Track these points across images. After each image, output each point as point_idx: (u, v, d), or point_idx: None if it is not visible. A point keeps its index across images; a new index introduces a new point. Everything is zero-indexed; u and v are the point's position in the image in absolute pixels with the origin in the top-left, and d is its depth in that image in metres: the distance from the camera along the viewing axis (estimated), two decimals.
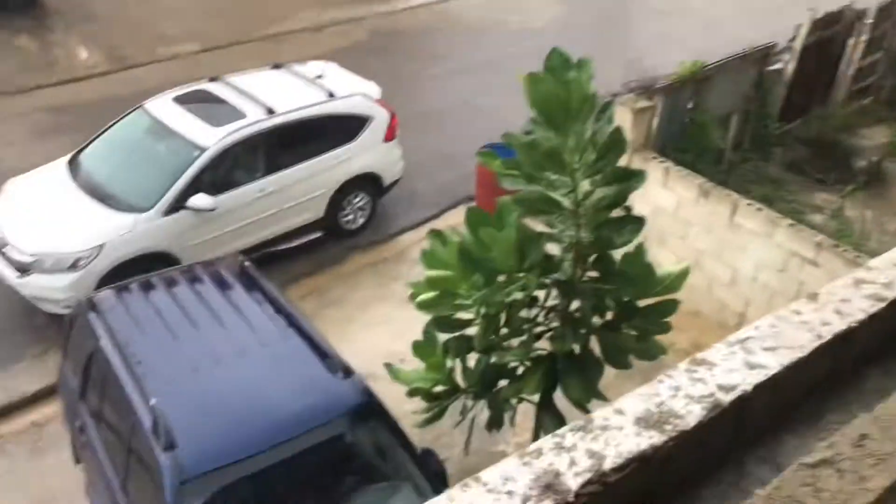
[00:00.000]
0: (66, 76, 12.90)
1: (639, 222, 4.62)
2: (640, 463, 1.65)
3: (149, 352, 5.10)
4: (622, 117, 7.96)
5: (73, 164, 8.35)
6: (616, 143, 4.38)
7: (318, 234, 9.13)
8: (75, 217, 7.66)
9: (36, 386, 7.14)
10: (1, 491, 6.22)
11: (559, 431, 1.72)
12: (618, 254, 4.93)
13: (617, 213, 4.84)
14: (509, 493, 1.55)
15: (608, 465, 1.61)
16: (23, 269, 7.37)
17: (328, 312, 8.10)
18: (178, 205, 7.72)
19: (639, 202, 4.88)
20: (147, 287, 5.79)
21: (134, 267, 7.37)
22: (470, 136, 11.61)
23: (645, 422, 1.73)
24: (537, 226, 4.83)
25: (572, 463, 1.61)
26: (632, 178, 4.54)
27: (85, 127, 10.14)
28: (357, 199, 9.38)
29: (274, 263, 8.46)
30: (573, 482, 1.57)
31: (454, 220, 9.86)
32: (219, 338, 5.31)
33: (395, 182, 9.76)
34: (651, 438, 1.68)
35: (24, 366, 7.33)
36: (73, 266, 7.30)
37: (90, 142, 8.62)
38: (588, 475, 1.58)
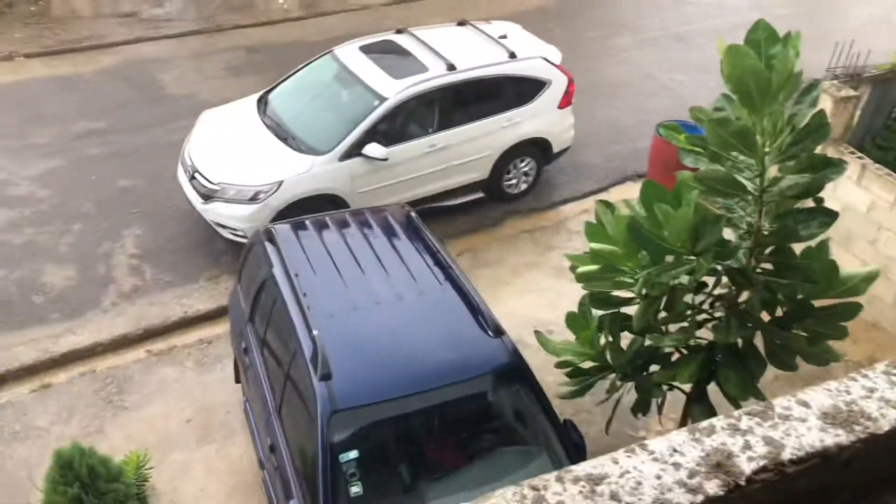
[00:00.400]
0: (263, 18, 13.66)
1: (830, 216, 4.28)
2: (822, 460, 1.54)
3: (316, 285, 5.36)
4: (823, 105, 7.38)
5: (262, 103, 8.85)
6: (818, 128, 4.06)
7: (479, 195, 9.18)
8: (259, 153, 8.15)
9: (208, 306, 7.73)
10: (170, 396, 6.83)
11: (734, 413, 1.64)
12: (798, 248, 4.61)
13: (805, 203, 4.52)
14: (675, 465, 1.49)
15: (787, 455, 1.52)
16: (207, 196, 7.97)
17: (481, 272, 8.17)
18: (353, 151, 8.02)
19: (826, 197, 4.51)
20: (320, 225, 6.08)
21: (307, 205, 7.77)
22: (646, 111, 11.24)
23: (832, 418, 1.61)
24: (714, 208, 4.60)
25: (747, 446, 1.53)
26: (828, 168, 4.19)
27: (276, 67, 10.74)
28: (523, 164, 9.33)
29: (434, 218, 8.62)
30: (746, 466, 1.49)
31: (620, 196, 9.56)
32: (380, 280, 5.49)
33: (564, 150, 9.60)
34: (837, 437, 1.57)
35: (200, 286, 7.95)
36: (253, 198, 7.80)
37: (279, 82, 9.10)
38: (763, 462, 1.50)
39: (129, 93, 11.06)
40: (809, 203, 4.49)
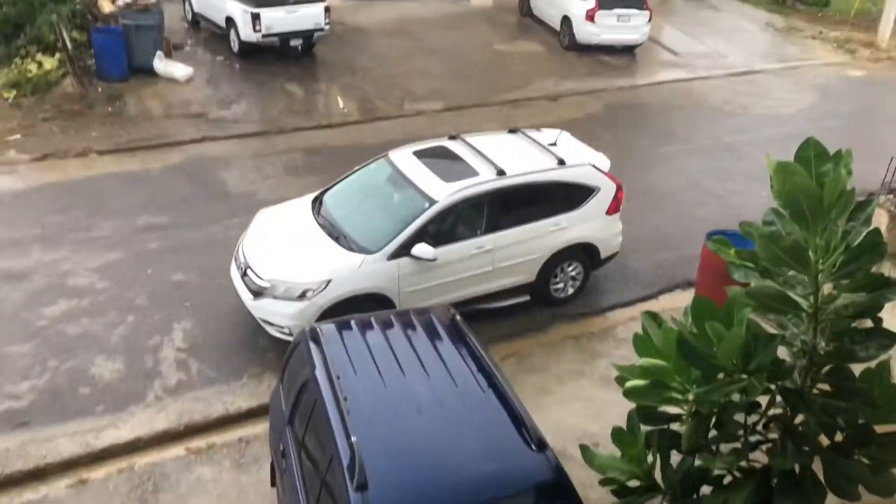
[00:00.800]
0: (322, 121, 14.23)
1: (889, 338, 4.11)
2: None
3: (357, 389, 5.31)
4: (878, 220, 7.23)
5: (317, 203, 9.09)
6: (873, 246, 3.95)
7: (525, 298, 9.14)
8: (310, 251, 8.30)
9: (250, 403, 7.71)
10: (205, 498, 6.73)
11: None
12: (857, 368, 4.41)
13: (863, 323, 4.36)
14: None
15: None
16: (257, 293, 8.10)
17: (525, 379, 8.03)
18: (402, 251, 8.11)
19: (886, 315, 4.35)
20: (364, 325, 6.08)
21: (354, 305, 7.82)
22: (696, 219, 11.20)
23: None
24: (766, 325, 4.47)
25: None
26: (886, 288, 4.05)
27: (333, 168, 11.08)
28: (570, 268, 9.30)
29: (479, 320, 8.58)
30: None
31: (668, 304, 9.46)
32: (422, 386, 5.42)
33: (612, 256, 9.57)
34: None
35: (243, 383, 7.97)
36: (302, 296, 7.89)
37: (335, 183, 9.36)
38: None
39: (192, 189, 11.51)
40: (868, 323, 4.33)
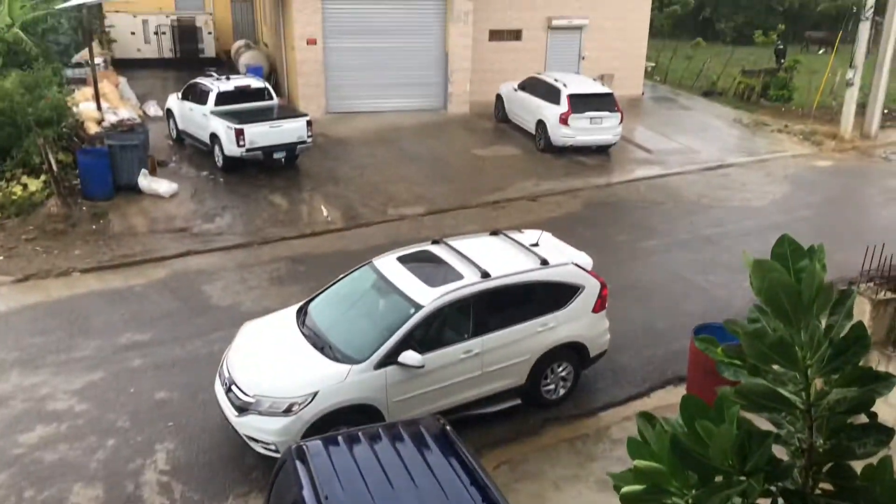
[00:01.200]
0: (306, 230, 14.37)
1: (886, 434, 4.03)
2: None
3: None
4: (861, 308, 7.28)
5: (301, 313, 9.04)
6: (857, 339, 3.94)
7: (517, 402, 9.00)
8: (296, 364, 8.18)
9: None
10: None
11: None
12: (858, 465, 4.32)
13: (858, 418, 4.29)
14: None
15: None
16: (242, 409, 7.92)
17: (520, 487, 7.80)
18: (389, 360, 8.01)
19: (881, 406, 4.29)
20: (352, 440, 5.93)
21: (341, 417, 7.66)
22: (682, 313, 11.23)
23: None
24: (761, 422, 4.39)
25: None
26: (876, 382, 4.02)
27: (317, 277, 11.09)
28: (560, 369, 9.21)
29: (470, 426, 8.42)
30: None
31: (661, 402, 9.35)
32: (413, 502, 5.24)
33: (601, 354, 9.51)
34: None
35: None
36: (287, 411, 7.72)
37: (319, 292, 9.34)
38: None
39: (175, 304, 11.44)
40: (863, 417, 4.27)
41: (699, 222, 15.19)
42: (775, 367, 4.15)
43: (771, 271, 3.97)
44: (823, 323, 4.08)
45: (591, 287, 9.19)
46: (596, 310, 9.24)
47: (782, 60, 27.92)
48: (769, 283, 3.93)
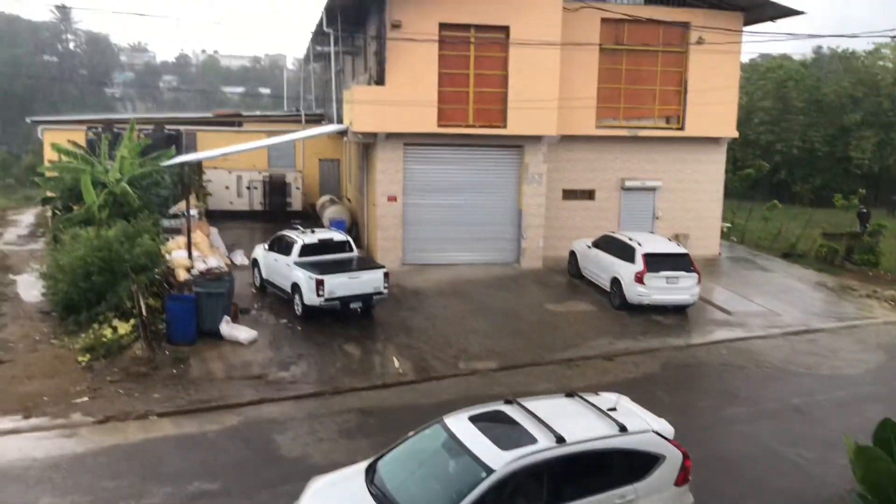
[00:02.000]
0: (378, 381, 14.35)
1: None
2: None
3: None
4: None
5: (370, 471, 8.85)
6: None
7: None
8: None
9: None
10: None
11: None
12: None
13: None
14: None
15: None
16: None
17: None
18: None
19: None
20: None
21: None
22: (773, 490, 10.49)
23: None
24: None
25: None
26: None
27: (387, 431, 10.93)
28: None
29: None
30: None
31: None
32: None
33: None
34: None
35: None
36: None
37: (389, 449, 9.17)
38: None
39: (246, 453, 11.42)
40: None
41: (787, 390, 14.48)
42: None
43: (876, 460, 3.73)
44: None
45: (673, 457, 8.74)
46: (678, 483, 8.73)
47: (866, 224, 27.51)
48: (874, 474, 3.69)
